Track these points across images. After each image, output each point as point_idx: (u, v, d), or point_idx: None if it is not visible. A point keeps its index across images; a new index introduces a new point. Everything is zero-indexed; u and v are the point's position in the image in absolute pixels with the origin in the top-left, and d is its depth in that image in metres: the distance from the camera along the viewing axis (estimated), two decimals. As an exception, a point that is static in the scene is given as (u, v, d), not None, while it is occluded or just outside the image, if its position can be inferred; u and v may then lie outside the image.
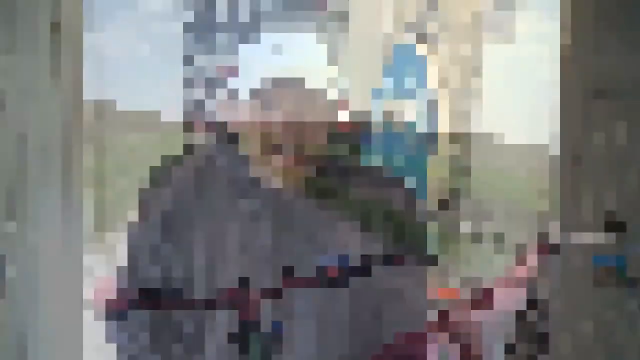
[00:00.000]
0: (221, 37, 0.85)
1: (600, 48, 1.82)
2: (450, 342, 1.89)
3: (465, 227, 1.56)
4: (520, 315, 1.38)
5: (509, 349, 1.41)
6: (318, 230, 0.83)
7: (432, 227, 1.96)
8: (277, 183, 0.85)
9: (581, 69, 1.72)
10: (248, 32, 0.83)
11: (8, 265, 2.03)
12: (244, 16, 0.83)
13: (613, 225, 1.27)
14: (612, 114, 1.96)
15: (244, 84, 0.82)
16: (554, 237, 1.34)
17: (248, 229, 0.81)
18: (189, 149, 0.90)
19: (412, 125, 2.04)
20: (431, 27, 2.07)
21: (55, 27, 1.59)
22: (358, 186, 0.89)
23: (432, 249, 2.19)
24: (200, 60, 0.85)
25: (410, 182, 2.08)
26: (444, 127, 1.98)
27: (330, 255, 0.80)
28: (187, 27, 0.88)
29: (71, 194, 1.71)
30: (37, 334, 2.08)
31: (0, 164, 2.08)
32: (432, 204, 1.94)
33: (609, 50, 1.86)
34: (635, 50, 1.94)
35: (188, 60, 0.87)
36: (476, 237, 1.51)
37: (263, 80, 0.82)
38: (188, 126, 0.91)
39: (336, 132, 1.50)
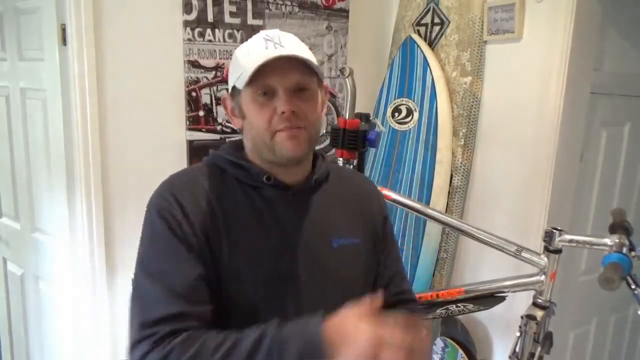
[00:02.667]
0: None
1: (604, 47, 1.81)
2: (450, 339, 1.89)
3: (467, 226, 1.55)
4: (526, 315, 1.37)
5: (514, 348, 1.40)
6: None
7: (435, 227, 1.95)
8: None
9: (585, 68, 1.72)
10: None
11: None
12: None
13: (618, 225, 1.26)
14: (615, 113, 1.95)
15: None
16: (557, 238, 1.33)
17: None
18: None
19: (414, 124, 2.03)
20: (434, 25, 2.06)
21: (61, 30, 1.58)
22: None
23: (433, 247, 2.18)
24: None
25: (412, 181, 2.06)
26: (445, 126, 1.97)
27: None
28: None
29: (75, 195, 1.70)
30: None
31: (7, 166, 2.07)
32: (434, 203, 1.93)
33: (613, 49, 1.85)
34: (638, 49, 1.92)
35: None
36: (478, 237, 1.50)
37: None
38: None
39: (343, 129, 1.50)
